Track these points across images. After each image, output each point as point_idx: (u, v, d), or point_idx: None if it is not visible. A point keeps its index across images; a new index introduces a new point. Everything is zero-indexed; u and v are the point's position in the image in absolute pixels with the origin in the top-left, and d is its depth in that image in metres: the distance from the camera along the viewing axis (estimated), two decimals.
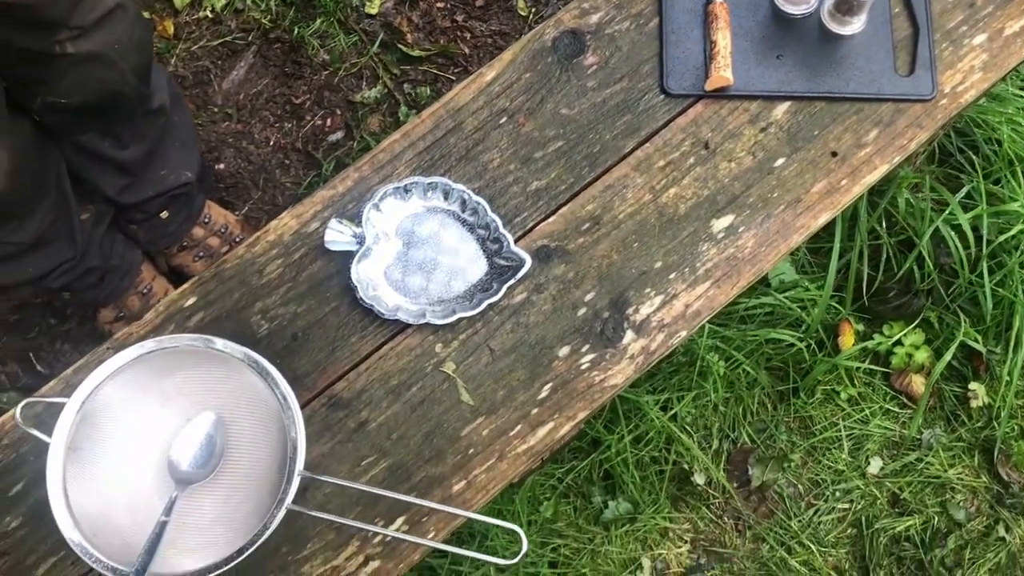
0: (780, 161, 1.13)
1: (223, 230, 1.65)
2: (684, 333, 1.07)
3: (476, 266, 1.09)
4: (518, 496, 1.55)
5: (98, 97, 1.17)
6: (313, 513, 0.91)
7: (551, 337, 1.07)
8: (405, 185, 1.10)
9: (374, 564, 0.99)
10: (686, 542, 1.62)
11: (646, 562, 1.59)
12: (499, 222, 1.08)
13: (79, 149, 1.29)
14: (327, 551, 1.00)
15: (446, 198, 1.11)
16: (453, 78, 1.85)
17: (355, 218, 1.10)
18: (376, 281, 1.08)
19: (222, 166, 1.80)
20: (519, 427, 1.04)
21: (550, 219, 1.11)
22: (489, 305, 1.06)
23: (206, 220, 1.63)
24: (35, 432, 0.94)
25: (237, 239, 1.66)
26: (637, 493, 1.60)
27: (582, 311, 1.07)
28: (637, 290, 1.08)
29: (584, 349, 1.06)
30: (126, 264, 1.53)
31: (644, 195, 1.11)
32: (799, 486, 1.65)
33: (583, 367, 1.05)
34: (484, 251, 1.10)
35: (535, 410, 1.04)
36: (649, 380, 1.59)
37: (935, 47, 1.16)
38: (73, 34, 1.09)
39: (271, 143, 1.83)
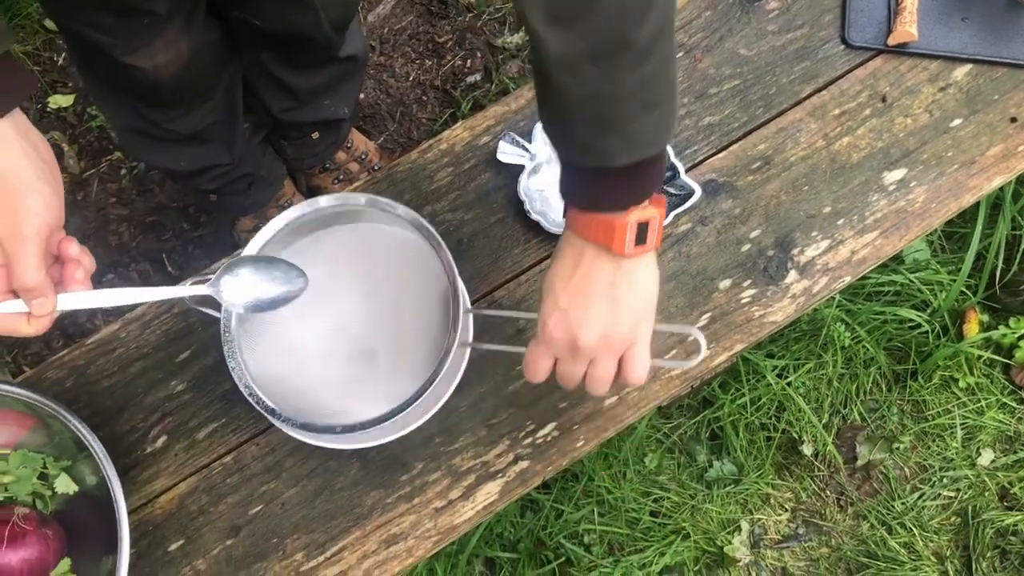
0: (957, 121, 1.12)
1: (363, 156, 1.68)
2: (848, 279, 1.07)
3: None
4: (627, 443, 1.57)
5: (289, 33, 1.20)
6: (484, 346, 0.95)
7: (713, 269, 1.08)
8: None
9: (523, 464, 1.01)
10: (787, 510, 1.62)
11: (744, 525, 1.59)
12: (671, 151, 1.09)
13: (258, 63, 1.32)
14: (478, 446, 1.02)
15: None
16: None
17: (527, 135, 1.12)
18: (544, 197, 1.10)
19: (362, 96, 1.84)
20: (674, 351, 1.05)
21: (720, 154, 1.12)
22: None
23: (349, 145, 1.67)
24: (203, 309, 0.95)
25: (375, 167, 1.70)
26: (743, 456, 1.60)
27: (746, 247, 1.08)
28: (804, 232, 1.08)
29: (746, 284, 1.07)
30: (272, 176, 1.58)
31: (817, 140, 1.12)
32: (906, 469, 1.64)
33: (743, 301, 1.06)
34: None
35: (691, 338, 1.05)
36: (771, 343, 1.60)
37: None
38: None
39: (410, 78, 1.86)
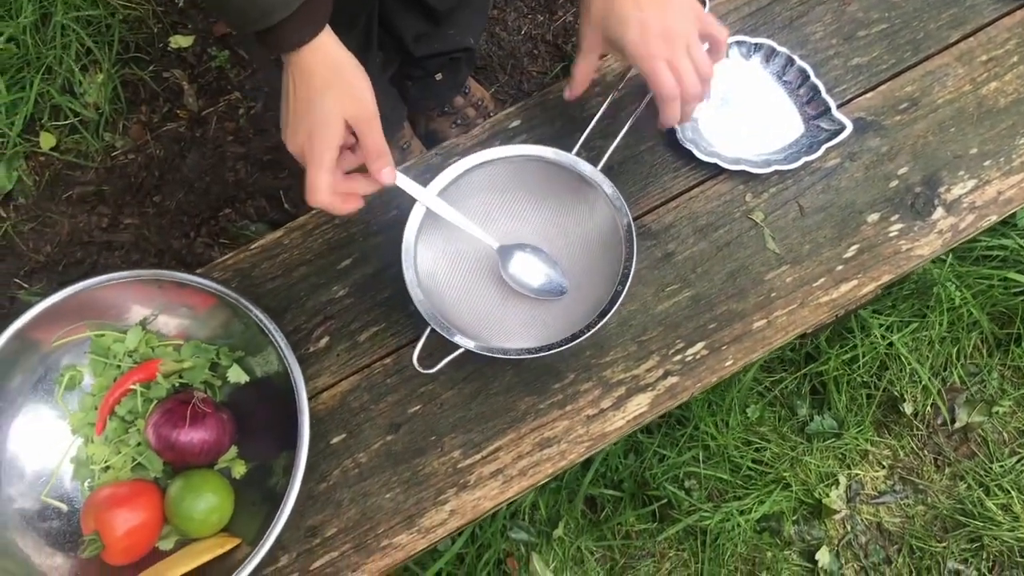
0: None
1: (479, 103, 1.72)
2: (994, 218, 1.09)
3: (791, 126, 1.14)
4: (731, 392, 1.60)
5: None
6: None
7: (861, 202, 1.10)
8: (730, 43, 1.15)
9: (672, 379, 1.05)
10: (884, 467, 1.64)
11: (842, 479, 1.62)
12: (823, 87, 1.12)
13: None
14: (628, 360, 1.06)
15: (767, 60, 1.15)
16: None
17: None
18: (696, 126, 1.14)
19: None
20: (822, 280, 1.08)
21: (868, 94, 1.14)
22: (804, 163, 1.10)
23: (466, 90, 1.71)
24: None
25: (490, 113, 1.74)
26: (843, 412, 1.62)
27: (894, 183, 1.11)
28: (951, 171, 1.11)
29: (893, 218, 1.10)
30: (394, 116, 1.62)
31: (964, 85, 1.14)
32: (1004, 433, 1.65)
33: (891, 234, 1.09)
34: (800, 114, 1.14)
35: (840, 267, 1.08)
36: (878, 300, 1.62)
37: None
38: None
39: (522, 32, 1.90)
